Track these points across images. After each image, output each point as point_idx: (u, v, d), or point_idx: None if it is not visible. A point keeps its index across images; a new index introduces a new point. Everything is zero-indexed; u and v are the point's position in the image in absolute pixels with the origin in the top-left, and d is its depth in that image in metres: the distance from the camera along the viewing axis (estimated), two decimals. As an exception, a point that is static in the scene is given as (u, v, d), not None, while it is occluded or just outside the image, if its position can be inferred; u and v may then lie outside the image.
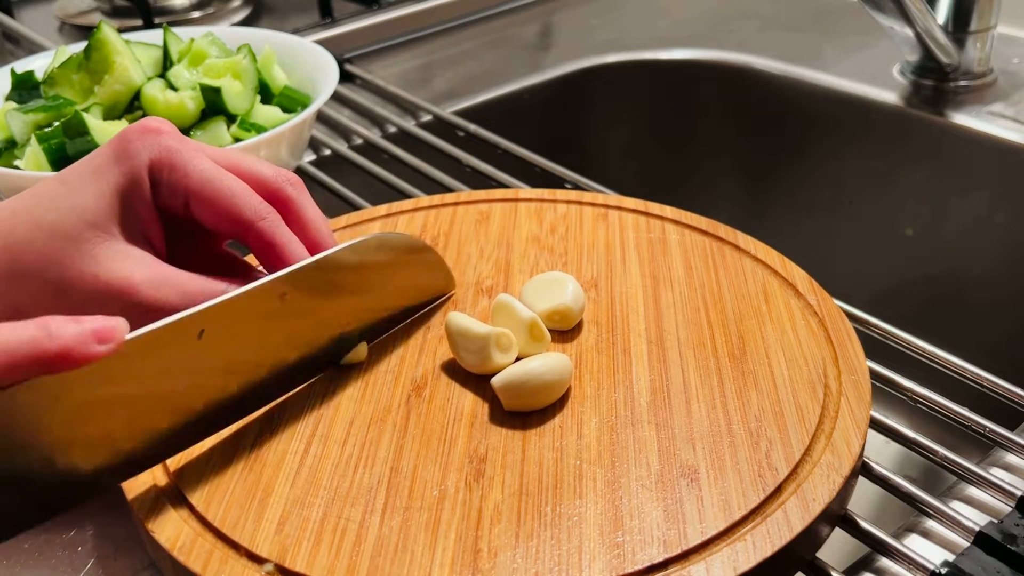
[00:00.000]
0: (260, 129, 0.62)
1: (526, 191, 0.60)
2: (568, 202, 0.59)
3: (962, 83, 0.78)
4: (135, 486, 0.40)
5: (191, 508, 0.39)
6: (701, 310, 0.49)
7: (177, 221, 0.44)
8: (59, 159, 0.58)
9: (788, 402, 0.43)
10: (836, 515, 0.40)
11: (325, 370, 0.46)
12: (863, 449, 0.41)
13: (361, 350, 0.46)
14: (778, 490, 0.39)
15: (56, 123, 0.60)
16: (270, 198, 0.43)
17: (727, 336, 0.47)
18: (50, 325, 0.33)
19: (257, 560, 0.37)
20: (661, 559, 0.36)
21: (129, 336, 0.36)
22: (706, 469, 0.40)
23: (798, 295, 0.50)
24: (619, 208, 0.58)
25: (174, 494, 0.40)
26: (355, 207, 0.65)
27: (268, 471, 0.41)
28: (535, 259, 0.54)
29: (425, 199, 0.60)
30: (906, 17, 0.72)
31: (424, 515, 0.38)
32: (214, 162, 0.43)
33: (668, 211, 0.57)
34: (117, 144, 0.42)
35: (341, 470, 0.41)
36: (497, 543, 0.37)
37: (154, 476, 0.41)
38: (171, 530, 0.38)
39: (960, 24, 0.75)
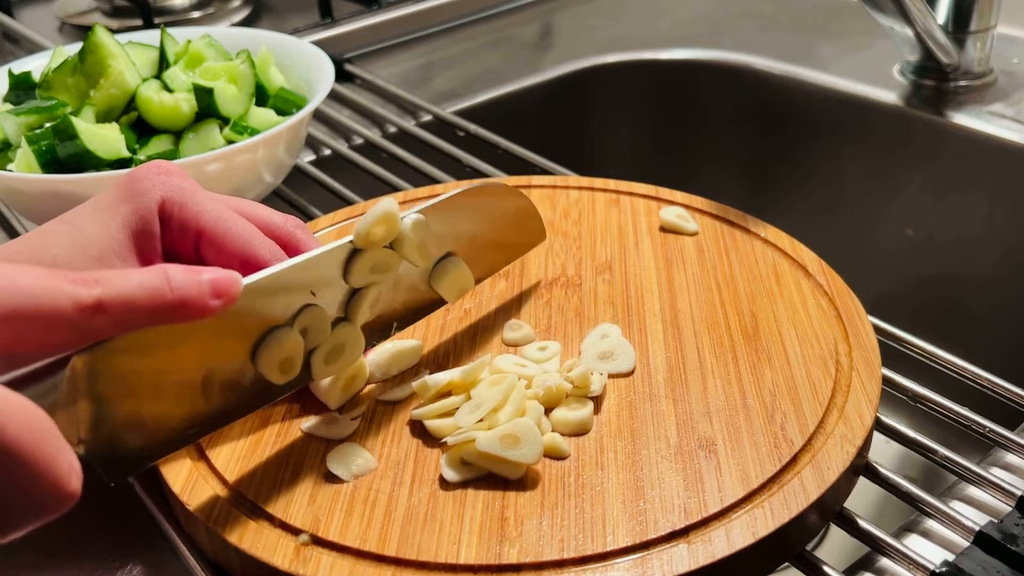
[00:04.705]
0: (254, 132, 0.62)
1: (538, 178, 0.62)
2: (580, 188, 0.60)
3: (962, 83, 0.78)
4: (171, 466, 0.41)
5: (224, 482, 0.40)
6: (714, 290, 0.50)
7: None
8: (49, 161, 0.58)
9: (801, 377, 0.44)
10: (852, 480, 0.41)
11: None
12: (875, 421, 0.42)
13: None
14: (793, 460, 0.40)
15: (47, 125, 0.59)
16: (279, 243, 0.43)
17: (740, 315, 0.48)
18: (170, 276, 0.32)
19: (292, 531, 0.38)
20: (683, 526, 0.37)
21: (246, 282, 0.36)
22: (723, 441, 0.41)
23: (808, 275, 0.51)
24: (630, 193, 0.59)
25: (207, 469, 0.41)
26: (354, 207, 0.65)
27: (298, 446, 0.42)
28: (550, 242, 0.55)
29: (440, 186, 0.62)
30: (906, 17, 0.72)
31: (450, 486, 0.39)
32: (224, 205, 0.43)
33: (679, 196, 0.59)
34: (126, 183, 0.42)
35: (369, 443, 0.42)
36: (523, 512, 0.38)
37: (188, 453, 0.42)
38: (207, 504, 0.39)
39: (960, 24, 0.75)
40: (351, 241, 0.41)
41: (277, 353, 0.39)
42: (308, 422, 0.43)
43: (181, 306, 0.32)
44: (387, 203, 0.41)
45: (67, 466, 0.28)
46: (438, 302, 0.47)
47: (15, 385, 0.31)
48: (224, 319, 0.36)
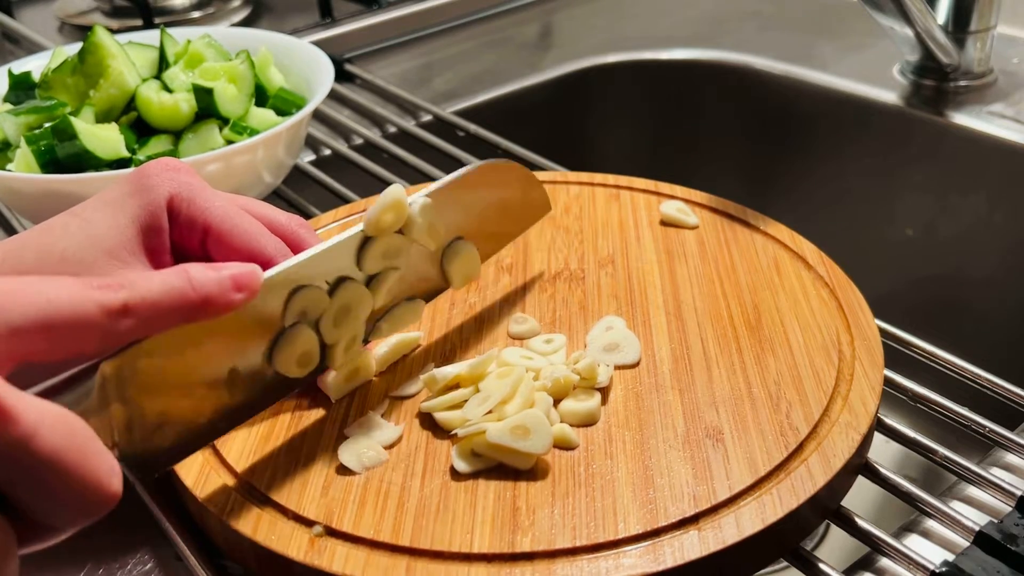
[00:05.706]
0: (253, 132, 0.62)
1: (538, 173, 0.62)
2: (580, 183, 0.61)
3: (962, 83, 0.78)
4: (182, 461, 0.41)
5: (236, 475, 0.40)
6: (716, 283, 0.51)
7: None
8: (48, 161, 0.58)
9: (805, 367, 0.44)
10: (856, 467, 0.42)
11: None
12: (878, 408, 0.43)
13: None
14: (800, 448, 0.40)
15: (47, 125, 0.59)
16: (283, 240, 0.44)
17: (742, 307, 0.49)
18: (192, 275, 0.33)
19: (305, 523, 0.38)
20: (692, 513, 0.37)
21: (266, 276, 0.36)
22: (730, 430, 0.41)
23: (808, 267, 0.51)
24: (630, 188, 0.60)
25: (218, 463, 0.41)
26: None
27: (309, 439, 0.42)
28: (551, 238, 0.56)
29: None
30: (906, 17, 0.72)
31: (462, 477, 0.40)
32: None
33: (679, 190, 0.59)
34: (135, 178, 0.43)
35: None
36: (534, 501, 0.38)
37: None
38: (220, 497, 0.39)
39: (960, 24, 0.75)
40: (362, 230, 0.42)
41: (292, 351, 0.40)
42: (349, 428, 0.43)
43: (204, 303, 0.33)
44: (395, 190, 0.42)
45: (107, 469, 0.29)
46: (440, 289, 0.47)
47: (48, 395, 0.31)
48: (245, 312, 0.37)
